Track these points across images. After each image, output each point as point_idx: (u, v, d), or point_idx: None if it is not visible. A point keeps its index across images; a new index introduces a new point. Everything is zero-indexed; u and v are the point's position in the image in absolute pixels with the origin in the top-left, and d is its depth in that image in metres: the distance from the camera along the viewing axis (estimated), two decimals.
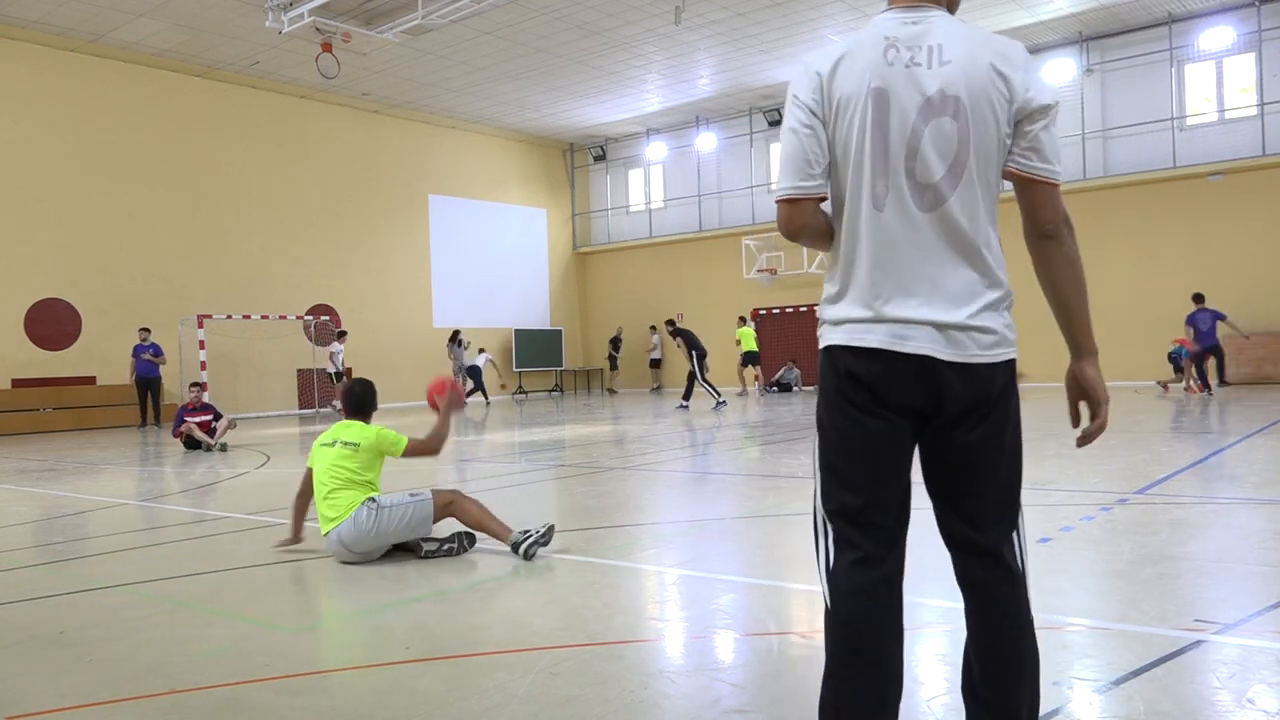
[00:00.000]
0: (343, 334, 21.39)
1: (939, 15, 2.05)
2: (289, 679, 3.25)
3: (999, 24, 19.60)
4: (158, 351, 18.22)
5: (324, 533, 5.16)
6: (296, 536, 5.49)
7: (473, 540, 5.21)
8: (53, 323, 18.49)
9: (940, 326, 1.99)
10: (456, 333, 23.40)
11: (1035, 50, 21.13)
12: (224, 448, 12.53)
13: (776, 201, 2.09)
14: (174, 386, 19.42)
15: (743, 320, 22.77)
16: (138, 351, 18.14)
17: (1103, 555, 4.65)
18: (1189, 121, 19.85)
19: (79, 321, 18.78)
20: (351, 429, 5.36)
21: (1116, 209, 20.42)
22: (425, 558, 5.11)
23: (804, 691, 2.96)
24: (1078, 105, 20.78)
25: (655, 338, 26.36)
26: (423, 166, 25.13)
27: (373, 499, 5.15)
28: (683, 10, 17.47)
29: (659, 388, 26.70)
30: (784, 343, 24.64)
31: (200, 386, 13.66)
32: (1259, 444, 8.92)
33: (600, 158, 28.41)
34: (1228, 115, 19.45)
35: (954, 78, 1.97)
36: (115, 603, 4.42)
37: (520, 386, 27.24)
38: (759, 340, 23.23)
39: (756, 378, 23.30)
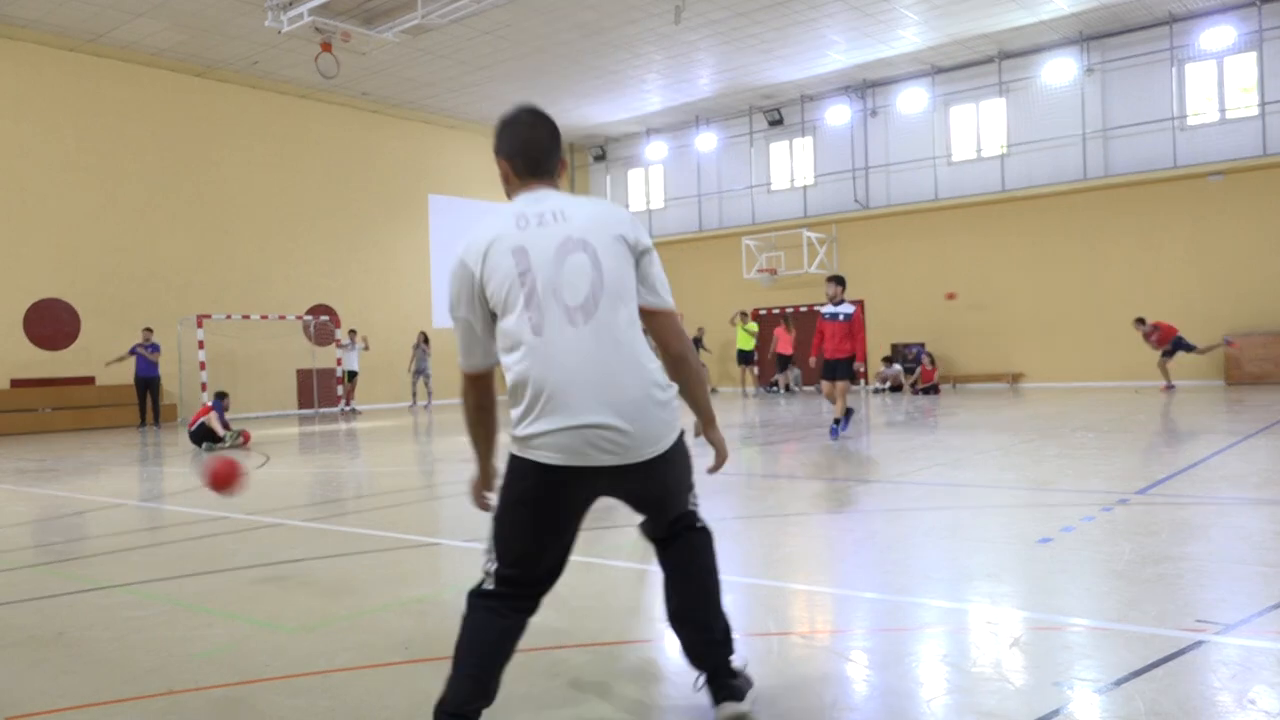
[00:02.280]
0: (352, 332, 21.81)
1: (554, 193, 2.65)
2: (289, 679, 3.24)
3: (999, 24, 19.60)
4: (154, 350, 18.16)
5: None
6: None
7: None
8: (52, 323, 18.48)
9: (608, 429, 2.42)
10: (423, 333, 23.02)
11: (1035, 50, 21.15)
12: (212, 448, 12.47)
13: (463, 373, 2.64)
14: (173, 386, 19.43)
15: (744, 316, 23.20)
16: (139, 350, 18.03)
17: (1103, 555, 4.65)
18: (1190, 121, 19.84)
19: (78, 321, 18.78)
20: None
21: (1117, 209, 20.41)
22: None
23: (804, 691, 2.96)
24: (1078, 105, 20.78)
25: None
26: (423, 166, 25.12)
27: None
28: (683, 10, 17.46)
29: None
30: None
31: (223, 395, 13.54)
32: (1259, 444, 8.91)
33: (600, 158, 28.39)
34: (1228, 115, 19.44)
35: (579, 225, 2.53)
36: (115, 603, 4.42)
37: None
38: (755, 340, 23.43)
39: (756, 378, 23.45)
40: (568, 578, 4.69)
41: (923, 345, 22.20)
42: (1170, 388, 18.08)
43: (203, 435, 12.66)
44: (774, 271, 24.61)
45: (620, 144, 28.32)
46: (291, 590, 4.68)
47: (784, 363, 23.42)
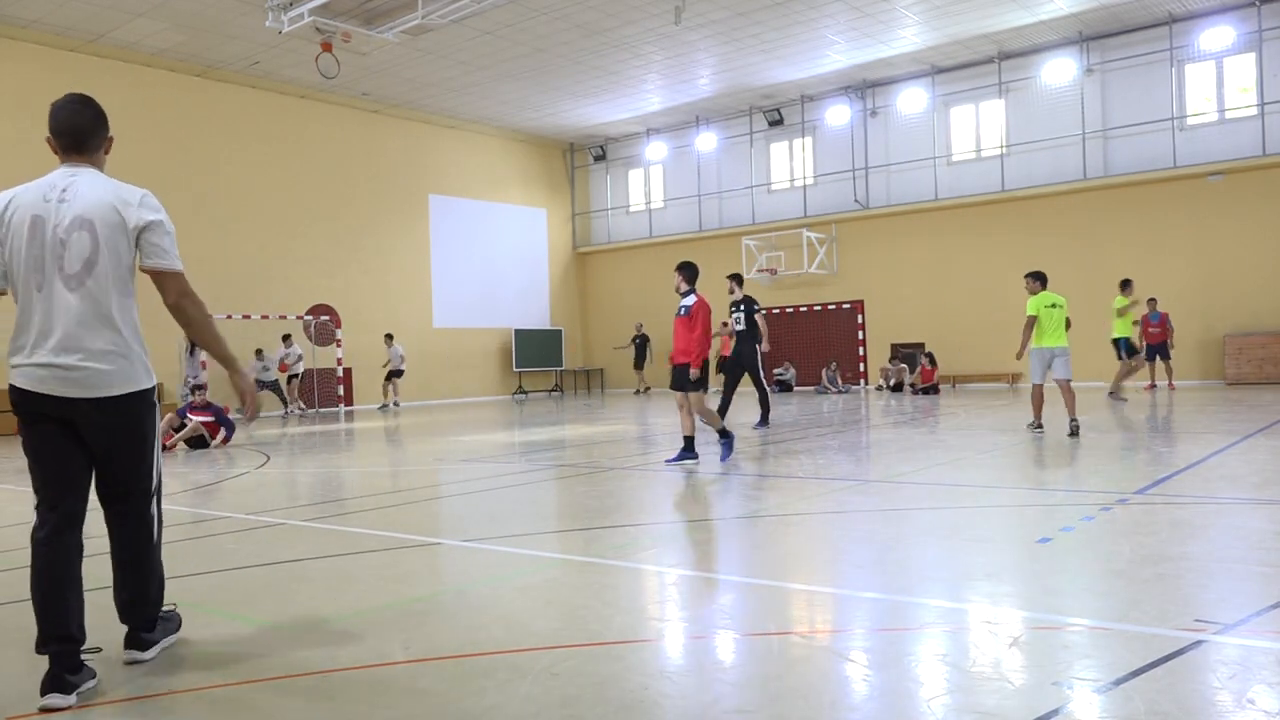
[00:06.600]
0: (286, 336, 21.06)
1: (86, 172, 3.26)
2: (289, 679, 3.25)
3: (999, 24, 19.61)
4: None
5: (1044, 346, 10.24)
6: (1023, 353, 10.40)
7: None
8: None
9: (69, 368, 3.12)
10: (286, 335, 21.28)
11: (1035, 50, 21.17)
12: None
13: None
14: (174, 386, 19.42)
15: (1125, 287, 16.85)
16: None
17: (1103, 555, 4.65)
18: (1189, 121, 19.85)
19: None
20: (1056, 299, 10.06)
21: (1117, 209, 20.42)
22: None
23: (804, 691, 2.96)
24: (1078, 105, 20.79)
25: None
26: (423, 166, 25.12)
27: None
28: (683, 10, 17.46)
29: (647, 389, 26.61)
30: (785, 343, 24.62)
31: (202, 388, 13.63)
32: (1259, 444, 8.91)
33: (600, 158, 28.41)
34: (1228, 115, 19.45)
35: (86, 209, 3.15)
36: None
37: (520, 386, 27.24)
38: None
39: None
40: (568, 577, 4.72)
41: (922, 345, 22.21)
42: (1154, 387, 18.16)
43: (196, 441, 12.73)
44: (774, 271, 24.62)
45: (620, 144, 28.33)
46: (291, 590, 4.68)
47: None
